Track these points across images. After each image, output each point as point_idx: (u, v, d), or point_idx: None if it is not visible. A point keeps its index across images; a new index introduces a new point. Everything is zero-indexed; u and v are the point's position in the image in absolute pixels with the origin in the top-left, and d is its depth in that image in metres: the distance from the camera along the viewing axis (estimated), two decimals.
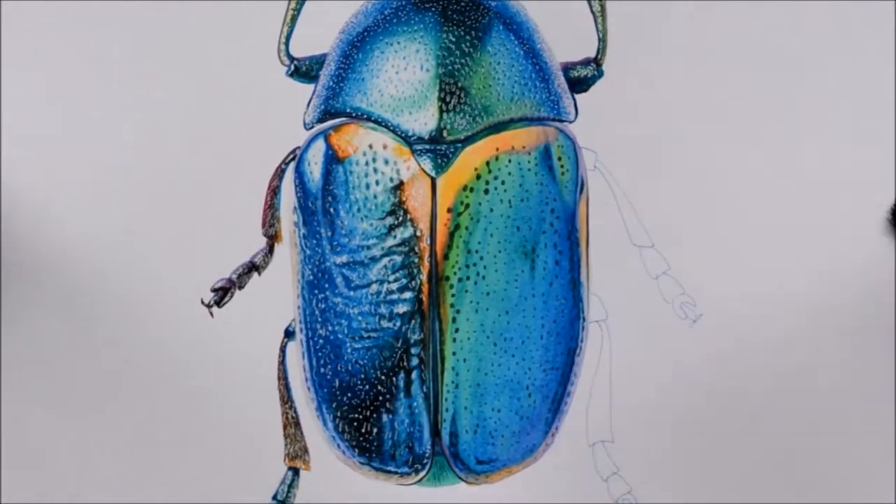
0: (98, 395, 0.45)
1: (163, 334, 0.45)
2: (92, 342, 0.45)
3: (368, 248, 0.45)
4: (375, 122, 0.45)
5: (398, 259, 0.44)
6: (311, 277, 0.45)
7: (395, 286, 0.45)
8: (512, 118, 0.45)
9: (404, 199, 0.45)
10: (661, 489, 0.45)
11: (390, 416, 0.45)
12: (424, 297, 0.45)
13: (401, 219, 0.45)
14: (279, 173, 0.46)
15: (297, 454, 0.45)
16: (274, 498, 0.45)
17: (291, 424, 0.45)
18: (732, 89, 0.46)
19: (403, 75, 0.45)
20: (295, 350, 0.45)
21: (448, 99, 0.45)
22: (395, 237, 0.45)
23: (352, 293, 0.45)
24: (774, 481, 0.45)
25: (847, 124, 0.46)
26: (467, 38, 0.45)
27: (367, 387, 0.45)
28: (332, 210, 0.45)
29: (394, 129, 0.45)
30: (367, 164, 0.45)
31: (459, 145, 0.45)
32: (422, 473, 0.45)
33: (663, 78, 0.46)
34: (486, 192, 0.45)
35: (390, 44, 0.45)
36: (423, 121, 0.45)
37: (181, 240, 0.45)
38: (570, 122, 0.46)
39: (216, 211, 0.46)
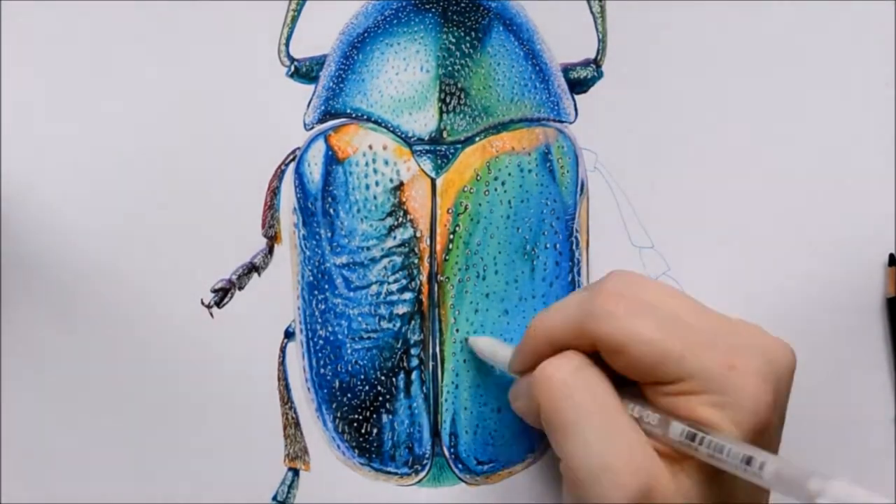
0: (98, 395, 0.45)
1: (162, 335, 0.45)
2: (92, 342, 0.45)
3: (368, 248, 0.45)
4: (375, 122, 0.45)
5: (398, 260, 0.45)
6: (311, 278, 0.45)
7: (394, 287, 0.45)
8: (512, 119, 0.45)
9: (404, 199, 0.45)
10: None
11: (390, 417, 0.45)
12: (424, 298, 0.45)
13: (401, 220, 0.45)
14: (279, 174, 0.46)
15: (296, 455, 0.45)
16: (274, 498, 0.45)
17: (291, 425, 0.45)
18: (732, 90, 0.46)
19: (403, 76, 0.45)
20: (295, 351, 0.45)
21: (448, 100, 0.45)
22: (394, 238, 0.45)
23: (352, 294, 0.45)
24: None
25: (847, 125, 0.46)
26: (467, 39, 0.45)
27: (366, 387, 0.45)
28: (331, 211, 0.45)
29: (394, 130, 0.45)
30: (366, 164, 0.45)
31: (459, 146, 0.45)
32: (422, 474, 0.45)
33: (663, 78, 0.46)
34: (486, 192, 0.45)
35: (390, 45, 0.45)
36: (423, 121, 0.45)
37: (181, 240, 0.45)
38: (570, 122, 0.46)
39: (216, 211, 0.45)
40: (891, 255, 0.46)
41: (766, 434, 0.35)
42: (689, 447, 0.34)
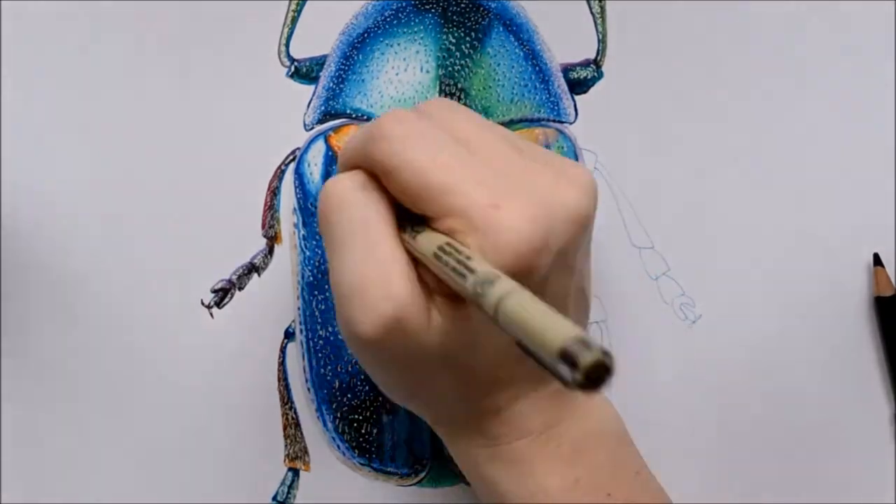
0: (98, 396, 0.45)
1: (163, 335, 0.45)
2: (92, 342, 0.45)
3: None
4: None
5: None
6: (311, 278, 0.45)
7: None
8: (512, 119, 0.45)
9: None
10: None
11: (390, 417, 0.45)
12: None
13: None
14: (279, 174, 0.46)
15: (296, 455, 0.45)
16: (274, 498, 0.45)
17: (291, 425, 0.45)
18: (732, 90, 0.46)
19: (403, 76, 0.45)
20: (295, 351, 0.45)
21: None
22: None
23: None
24: (774, 481, 0.45)
25: (847, 125, 0.46)
26: (467, 39, 0.45)
27: (366, 387, 0.45)
28: None
29: None
30: None
31: None
32: (422, 474, 0.45)
33: (663, 78, 0.46)
34: None
35: (390, 45, 0.45)
36: None
37: (181, 241, 0.45)
38: (570, 123, 0.46)
39: (216, 211, 0.46)
40: (875, 255, 0.46)
41: (531, 279, 0.32)
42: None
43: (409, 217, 0.33)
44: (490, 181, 0.32)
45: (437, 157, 0.32)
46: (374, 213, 0.33)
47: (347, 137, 0.45)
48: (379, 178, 0.33)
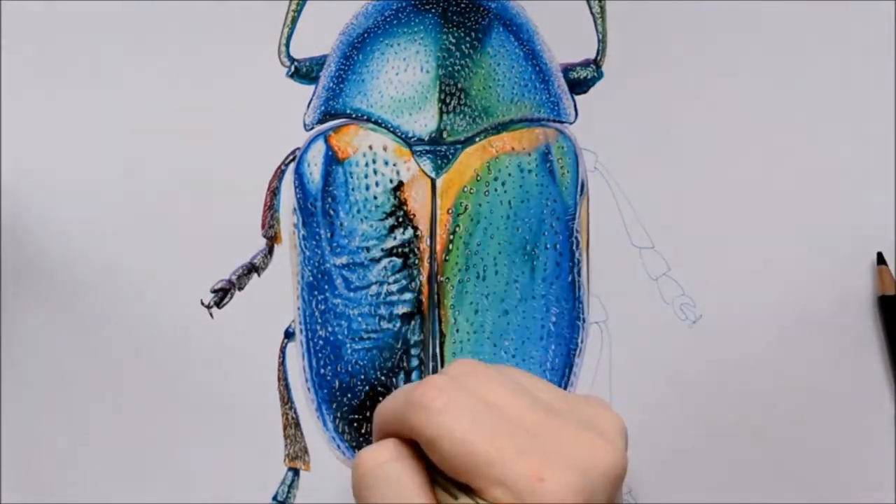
0: (98, 396, 0.45)
1: (162, 335, 0.45)
2: (92, 342, 0.45)
3: (368, 249, 0.45)
4: (376, 123, 0.45)
5: (398, 260, 0.45)
6: (311, 278, 0.45)
7: (394, 287, 0.45)
8: (512, 119, 0.45)
9: (404, 200, 0.45)
10: (661, 489, 0.45)
11: None
12: (424, 299, 0.45)
13: (401, 220, 0.45)
14: (279, 174, 0.46)
15: (297, 455, 0.45)
16: (274, 498, 0.45)
17: (291, 425, 0.45)
18: (732, 90, 0.46)
19: (404, 76, 0.45)
20: (295, 351, 0.45)
21: (448, 100, 0.45)
22: (395, 238, 0.45)
23: (351, 294, 0.45)
24: (774, 481, 0.45)
25: (847, 125, 0.46)
26: (467, 39, 0.45)
27: (366, 388, 0.45)
28: (331, 211, 0.45)
29: (394, 130, 0.45)
30: (367, 164, 0.45)
31: (459, 146, 0.45)
32: None
33: (663, 78, 0.46)
34: (486, 193, 0.45)
35: (391, 45, 0.45)
36: (424, 122, 0.45)
37: (181, 241, 0.45)
38: (570, 123, 0.46)
39: (216, 211, 0.46)
40: (879, 254, 0.46)
41: None
42: None
43: (446, 476, 0.34)
44: (529, 450, 0.32)
45: (478, 428, 0.33)
46: (410, 488, 0.33)
47: (347, 137, 0.45)
48: (422, 446, 0.34)
